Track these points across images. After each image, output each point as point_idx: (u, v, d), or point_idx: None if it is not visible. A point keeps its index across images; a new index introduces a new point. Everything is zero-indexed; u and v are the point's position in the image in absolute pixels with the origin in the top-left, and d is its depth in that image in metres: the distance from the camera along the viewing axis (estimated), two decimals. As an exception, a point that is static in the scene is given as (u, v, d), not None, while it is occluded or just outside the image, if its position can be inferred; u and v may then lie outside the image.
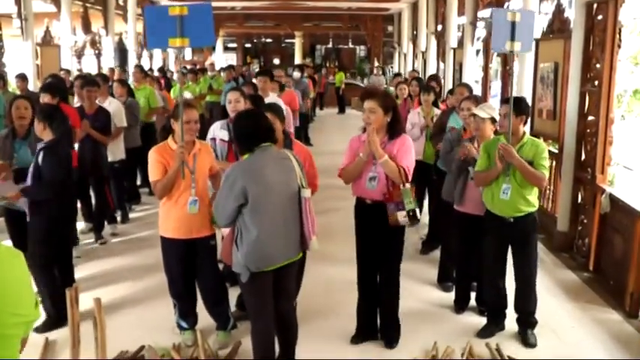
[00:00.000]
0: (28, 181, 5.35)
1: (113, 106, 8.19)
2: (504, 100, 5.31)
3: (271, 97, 8.08)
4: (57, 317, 5.25)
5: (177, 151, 4.78)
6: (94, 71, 15.79)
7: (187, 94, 12.75)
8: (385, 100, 4.87)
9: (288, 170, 4.18)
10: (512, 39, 5.19)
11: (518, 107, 5.16)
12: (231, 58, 35.14)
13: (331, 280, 6.48)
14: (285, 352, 4.52)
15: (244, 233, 4.07)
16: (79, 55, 17.32)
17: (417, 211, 4.80)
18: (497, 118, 5.41)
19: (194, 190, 4.87)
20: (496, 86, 13.94)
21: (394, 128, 4.87)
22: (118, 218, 8.67)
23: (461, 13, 15.29)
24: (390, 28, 33.04)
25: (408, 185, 4.70)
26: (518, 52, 5.38)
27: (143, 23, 22.41)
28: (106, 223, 8.19)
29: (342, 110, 26.16)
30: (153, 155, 4.98)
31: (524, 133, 5.21)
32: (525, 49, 5.46)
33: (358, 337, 5.22)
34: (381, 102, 4.81)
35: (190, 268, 5.09)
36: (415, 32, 23.07)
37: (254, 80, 8.87)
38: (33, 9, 14.24)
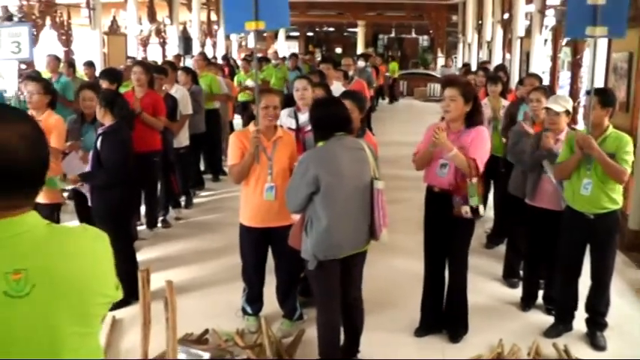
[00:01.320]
0: (88, 167, 5.45)
1: (179, 93, 8.26)
2: (590, 92, 5.05)
3: (336, 86, 8.03)
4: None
5: (252, 135, 4.78)
6: (159, 60, 15.98)
7: (249, 82, 12.77)
8: (466, 89, 4.76)
9: (361, 161, 4.14)
10: (594, 23, 4.87)
11: (605, 98, 4.92)
12: (293, 47, 35.22)
13: (395, 271, 6.41)
14: (350, 341, 4.50)
15: (314, 221, 4.05)
16: (145, 43, 17.58)
17: (481, 207, 4.69)
18: (571, 110, 5.25)
19: (270, 177, 4.86)
20: (564, 77, 13.60)
21: (472, 118, 4.75)
22: (182, 203, 8.77)
23: (529, 0, 14.97)
24: (454, 18, 32.66)
25: (475, 180, 4.58)
26: (604, 37, 5.11)
27: (207, 12, 22.69)
28: (170, 207, 8.32)
29: (392, 100, 25.84)
30: (232, 139, 5.01)
31: (608, 125, 4.96)
32: (616, 34, 5.12)
33: (422, 330, 5.15)
34: (462, 90, 4.69)
35: (264, 256, 5.13)
36: (480, 21, 22.74)
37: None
38: (101, -1, 14.56)
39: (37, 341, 1.54)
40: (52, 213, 5.76)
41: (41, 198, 5.39)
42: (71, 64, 10.72)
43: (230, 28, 5.36)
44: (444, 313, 5.15)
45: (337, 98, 4.83)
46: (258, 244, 5.06)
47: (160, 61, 13.51)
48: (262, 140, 4.83)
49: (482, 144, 4.70)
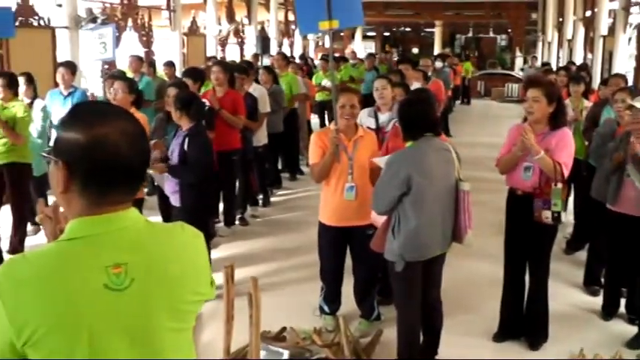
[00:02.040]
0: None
1: (258, 92, 8.36)
2: None
3: (415, 87, 7.99)
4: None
5: (331, 135, 4.81)
6: (237, 59, 16.20)
7: (326, 82, 12.82)
8: (550, 90, 4.65)
9: (448, 162, 4.11)
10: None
11: None
12: (370, 47, 35.14)
13: (471, 274, 6.33)
14: (429, 343, 4.47)
15: (402, 222, 4.03)
16: (223, 43, 17.84)
17: (563, 214, 4.58)
18: None
19: (351, 177, 4.87)
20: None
21: (556, 120, 4.64)
22: (260, 202, 8.87)
23: (613, -3, 14.57)
24: (533, 16, 32.01)
25: (560, 185, 4.48)
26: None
27: (285, 12, 22.87)
28: (247, 205, 8.45)
29: (465, 101, 25.14)
30: (313, 138, 5.06)
31: None
32: None
33: (501, 335, 5.07)
34: (545, 91, 4.58)
35: (342, 255, 5.15)
36: (561, 19, 22.25)
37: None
38: (181, 1, 14.86)
39: (133, 334, 1.58)
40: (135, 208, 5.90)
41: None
42: (152, 65, 10.97)
43: (304, 28, 5.42)
44: (523, 319, 5.05)
45: (426, 98, 4.80)
46: (337, 243, 5.09)
47: (238, 61, 13.69)
48: (343, 139, 4.84)
49: (566, 146, 4.59)
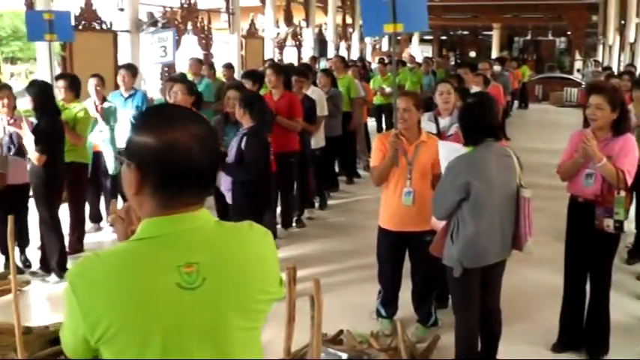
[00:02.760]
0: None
1: (315, 95, 8.39)
2: None
3: (474, 91, 7.91)
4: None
5: (390, 139, 4.80)
6: (294, 62, 16.30)
7: (388, 89, 12.80)
8: (614, 96, 4.53)
9: (509, 168, 4.06)
10: None
11: None
12: (427, 51, 34.94)
13: (529, 282, 6.21)
14: (487, 351, 4.41)
15: (461, 228, 4.01)
16: (281, 46, 17.98)
17: (625, 222, 4.48)
18: None
19: (409, 182, 4.85)
20: None
21: (620, 126, 4.53)
22: (316, 204, 8.90)
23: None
24: (594, 18, 31.38)
25: (622, 193, 4.37)
26: None
27: (342, 15, 22.90)
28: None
29: (522, 105, 24.45)
30: (376, 141, 5.09)
31: None
32: None
33: (560, 346, 4.95)
34: (609, 98, 4.47)
35: (401, 260, 5.15)
36: (623, 21, 21.76)
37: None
38: (240, 4, 15.02)
39: (204, 333, 1.60)
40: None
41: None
42: (212, 67, 11.12)
43: (368, 30, 5.44)
44: (583, 330, 4.93)
45: (487, 102, 4.74)
46: (396, 248, 5.08)
47: (295, 64, 13.78)
48: (403, 144, 4.83)
49: (630, 153, 4.48)
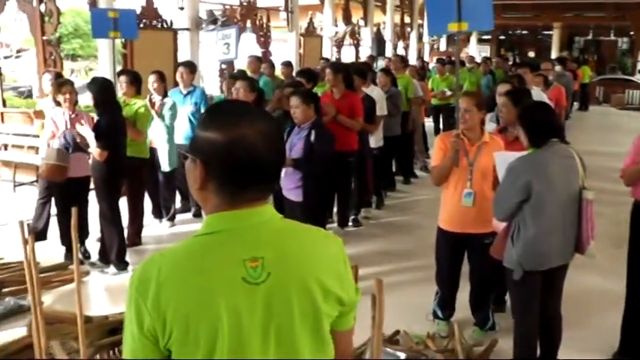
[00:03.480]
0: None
1: (375, 94, 8.35)
2: None
3: (535, 92, 7.77)
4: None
5: (452, 139, 4.74)
6: (352, 61, 16.30)
7: (448, 92, 12.70)
8: None
9: (571, 169, 3.96)
10: None
11: None
12: (485, 50, 34.54)
13: (591, 289, 6.05)
14: (546, 356, 4.31)
15: (522, 230, 3.93)
16: (339, 45, 17.98)
17: None
18: None
19: (470, 183, 4.78)
20: None
21: None
22: (373, 204, 8.86)
23: None
24: (659, 18, 30.52)
25: None
26: None
27: (401, 14, 22.79)
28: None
29: (582, 107, 23.76)
30: (437, 140, 5.02)
31: None
32: None
33: (621, 354, 4.81)
34: None
35: (459, 261, 5.08)
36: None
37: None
38: (299, 2, 15.07)
39: (267, 329, 1.59)
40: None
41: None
42: (272, 65, 11.17)
43: (433, 29, 5.39)
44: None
45: (546, 104, 4.66)
46: (454, 249, 5.01)
47: (352, 63, 13.75)
48: (465, 144, 4.76)
49: None
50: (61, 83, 6.64)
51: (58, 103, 6.53)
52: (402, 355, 4.14)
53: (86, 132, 6.14)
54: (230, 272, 1.57)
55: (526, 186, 3.83)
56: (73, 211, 3.64)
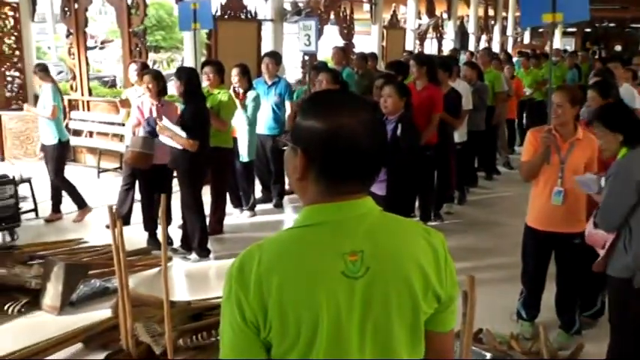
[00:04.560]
0: None
1: (460, 87, 8.20)
2: None
3: (625, 88, 7.50)
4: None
5: (543, 135, 4.59)
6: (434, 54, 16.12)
7: (527, 90, 12.39)
8: None
9: None
10: None
11: None
12: (569, 44, 33.60)
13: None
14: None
15: (635, 234, 3.71)
16: (422, 38, 17.82)
17: None
18: None
19: (560, 181, 4.61)
20: None
21: None
22: (455, 199, 8.72)
23: None
24: None
25: None
26: None
27: (484, 7, 22.41)
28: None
29: None
30: (528, 135, 4.85)
31: None
32: None
33: None
34: None
35: (546, 261, 4.92)
36: None
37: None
38: (384, -5, 15.00)
39: (364, 324, 1.56)
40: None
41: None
42: (365, 58, 11.09)
43: (526, 20, 5.24)
44: None
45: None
46: (541, 248, 4.86)
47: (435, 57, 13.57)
48: (557, 140, 4.59)
49: None
50: (143, 73, 6.80)
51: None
52: (488, 355, 4.06)
53: (169, 126, 6.22)
54: (330, 266, 1.54)
55: (637, 186, 3.62)
56: (162, 198, 3.69)
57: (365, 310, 1.56)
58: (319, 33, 9.47)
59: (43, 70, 7.99)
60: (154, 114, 6.50)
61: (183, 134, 6.14)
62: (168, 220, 6.91)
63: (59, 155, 7.84)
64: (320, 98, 1.71)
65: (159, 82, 6.60)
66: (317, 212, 1.61)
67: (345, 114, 1.57)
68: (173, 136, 6.16)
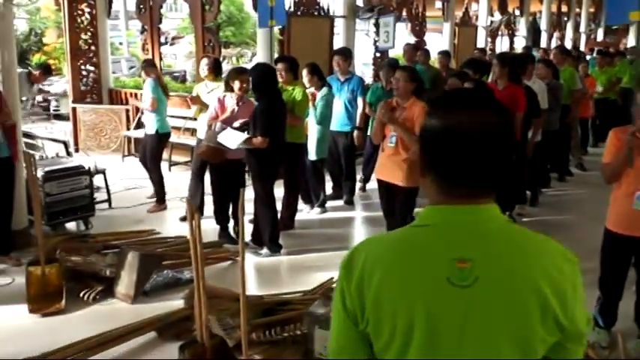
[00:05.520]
0: None
1: (536, 86, 8.03)
2: None
3: None
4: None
5: (626, 137, 4.44)
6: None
7: (599, 87, 12.04)
8: None
9: None
10: None
11: None
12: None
13: None
14: None
15: None
16: (493, 35, 17.54)
17: None
18: None
19: None
20: None
21: None
22: (528, 200, 8.55)
23: None
24: None
25: None
26: None
27: (558, 3, 21.91)
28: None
29: None
30: (610, 136, 4.68)
31: None
32: None
33: None
34: None
35: (625, 267, 4.78)
36: None
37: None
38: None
39: (464, 337, 1.48)
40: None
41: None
42: (427, 54, 11.00)
43: (612, 18, 5.09)
44: None
45: None
46: (621, 253, 4.71)
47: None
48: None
49: None
50: (241, 71, 6.87)
51: (231, 89, 6.74)
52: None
53: (231, 137, 6.30)
54: (435, 269, 1.49)
55: None
56: (241, 192, 3.72)
57: (467, 324, 1.48)
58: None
59: (148, 65, 8.48)
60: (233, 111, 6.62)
61: (243, 136, 6.20)
62: (236, 214, 7.01)
63: (155, 145, 8.21)
64: (443, 97, 1.69)
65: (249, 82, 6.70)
66: (433, 213, 1.57)
67: (464, 113, 1.52)
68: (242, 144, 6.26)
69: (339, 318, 1.60)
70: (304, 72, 7.59)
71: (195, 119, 8.07)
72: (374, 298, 1.51)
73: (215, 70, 7.75)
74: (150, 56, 11.35)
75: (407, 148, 5.64)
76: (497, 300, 1.48)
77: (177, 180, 9.35)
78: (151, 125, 8.16)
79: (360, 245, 1.61)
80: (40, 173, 6.56)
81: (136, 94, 11.53)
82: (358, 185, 8.85)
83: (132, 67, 19.45)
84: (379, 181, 6.03)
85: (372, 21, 8.83)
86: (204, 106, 7.44)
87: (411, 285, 1.50)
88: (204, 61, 7.85)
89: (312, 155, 7.74)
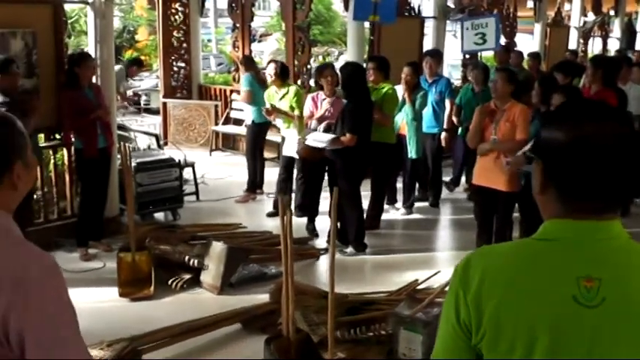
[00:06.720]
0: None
1: (632, 91, 7.77)
2: None
3: None
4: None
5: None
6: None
7: None
8: None
9: None
10: None
11: None
12: None
13: None
14: None
15: None
16: (586, 36, 17.03)
17: None
18: None
19: None
20: None
21: None
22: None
23: None
24: None
25: None
26: None
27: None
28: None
29: None
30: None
31: None
32: None
33: None
34: None
35: None
36: None
37: None
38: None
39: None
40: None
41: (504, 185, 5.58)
42: (520, 55, 10.79)
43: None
44: None
45: None
46: None
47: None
48: None
49: None
50: (324, 67, 6.99)
51: (321, 87, 6.81)
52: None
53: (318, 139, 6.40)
54: (560, 287, 1.44)
55: None
56: (335, 191, 3.75)
57: (594, 344, 1.42)
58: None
59: (247, 61, 9.22)
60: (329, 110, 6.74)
61: (330, 137, 6.25)
62: (315, 211, 7.12)
63: (252, 135, 8.65)
64: (565, 107, 1.64)
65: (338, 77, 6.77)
66: (557, 227, 1.51)
67: (590, 124, 1.46)
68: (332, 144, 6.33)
69: (448, 327, 1.56)
70: (407, 71, 7.40)
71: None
72: (494, 312, 1.47)
73: (282, 75, 7.73)
74: (240, 54, 11.54)
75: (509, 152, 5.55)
76: (626, 324, 1.43)
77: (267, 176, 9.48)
78: (248, 116, 8.64)
79: (475, 255, 1.57)
80: (132, 164, 6.76)
81: (224, 91, 11.75)
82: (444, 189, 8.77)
83: (220, 64, 19.78)
84: (478, 187, 5.93)
85: (470, 23, 8.65)
86: (282, 115, 7.52)
87: (535, 301, 1.45)
88: (271, 66, 7.82)
89: (411, 154, 7.62)
